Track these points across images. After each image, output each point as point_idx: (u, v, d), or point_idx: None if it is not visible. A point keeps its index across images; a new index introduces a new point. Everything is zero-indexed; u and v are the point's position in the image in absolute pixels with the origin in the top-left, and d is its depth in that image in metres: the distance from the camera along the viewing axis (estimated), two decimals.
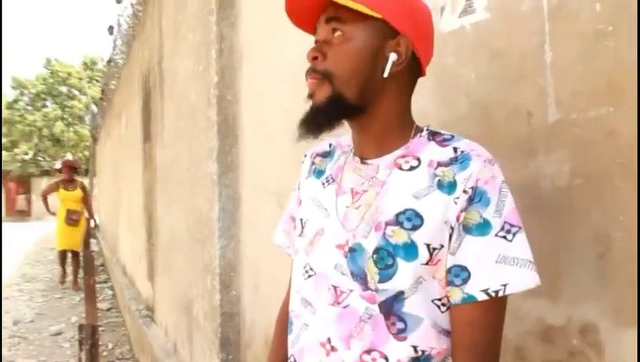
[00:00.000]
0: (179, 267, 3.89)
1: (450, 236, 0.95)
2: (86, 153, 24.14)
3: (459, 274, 0.94)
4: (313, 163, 1.25)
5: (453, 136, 1.04)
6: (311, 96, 1.05)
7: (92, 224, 9.43)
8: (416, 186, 0.99)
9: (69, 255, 8.94)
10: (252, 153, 2.68)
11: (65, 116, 27.06)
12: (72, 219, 8.63)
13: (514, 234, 0.93)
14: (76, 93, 27.56)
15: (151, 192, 5.23)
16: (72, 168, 9.00)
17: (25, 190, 28.70)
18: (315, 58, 1.04)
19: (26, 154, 27.17)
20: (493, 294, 0.92)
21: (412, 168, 1.02)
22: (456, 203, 0.95)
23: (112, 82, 9.84)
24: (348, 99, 1.01)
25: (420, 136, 1.06)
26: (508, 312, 0.96)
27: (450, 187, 0.96)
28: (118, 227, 9.37)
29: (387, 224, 0.99)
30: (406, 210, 0.98)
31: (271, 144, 2.40)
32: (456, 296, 0.95)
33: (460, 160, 0.97)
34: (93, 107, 17.52)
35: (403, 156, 1.04)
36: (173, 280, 4.13)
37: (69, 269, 8.94)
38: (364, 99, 1.03)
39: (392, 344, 0.98)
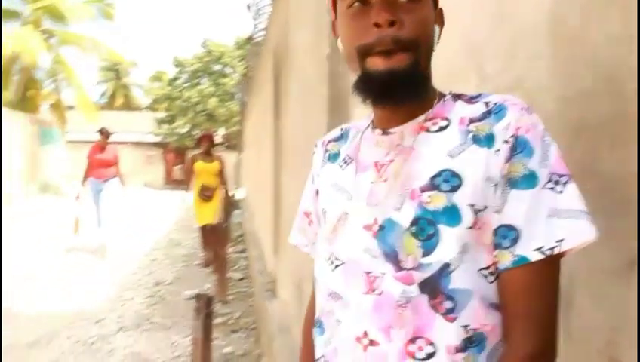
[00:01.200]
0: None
1: (495, 193, 0.88)
2: (236, 128, 25.23)
3: (507, 234, 0.86)
4: (326, 150, 1.17)
5: (480, 94, 0.98)
6: (391, 65, 0.92)
7: (227, 197, 8.94)
8: (448, 145, 0.93)
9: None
10: None
11: (218, 93, 28.51)
12: (205, 194, 8.30)
13: (564, 185, 0.86)
14: (228, 70, 28.93)
15: (279, 169, 5.29)
16: (210, 141, 8.71)
17: (181, 161, 30.68)
18: (393, 23, 0.92)
19: (183, 127, 29.03)
20: (548, 253, 0.84)
21: (441, 128, 0.96)
22: (497, 155, 0.88)
23: (253, 59, 10.10)
24: (422, 69, 0.96)
25: (444, 100, 1.01)
26: None
27: (488, 140, 0.89)
28: (256, 200, 9.70)
29: (422, 190, 0.92)
30: (441, 171, 0.91)
31: None
32: (505, 259, 0.87)
33: (494, 111, 0.91)
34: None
35: (429, 119, 0.98)
36: (290, 256, 4.13)
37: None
38: (427, 69, 0.99)
39: (440, 327, 0.88)
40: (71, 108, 23.23)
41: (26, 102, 21.75)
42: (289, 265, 4.00)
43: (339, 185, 1.07)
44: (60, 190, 19.51)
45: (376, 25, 0.92)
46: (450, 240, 0.88)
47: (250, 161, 14.25)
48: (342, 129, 1.18)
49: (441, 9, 1.02)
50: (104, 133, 9.04)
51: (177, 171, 30.64)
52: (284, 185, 4.79)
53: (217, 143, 28.59)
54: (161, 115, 30.12)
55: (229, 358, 4.67)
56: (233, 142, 26.66)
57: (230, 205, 11.59)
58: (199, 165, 8.38)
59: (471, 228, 0.88)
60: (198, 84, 28.97)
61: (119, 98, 42.70)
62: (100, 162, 8.93)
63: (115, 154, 9.21)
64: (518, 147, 0.87)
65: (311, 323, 1.18)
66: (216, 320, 5.47)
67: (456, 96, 1.00)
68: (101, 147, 9.04)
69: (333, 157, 1.14)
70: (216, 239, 8.14)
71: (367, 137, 1.06)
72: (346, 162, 1.08)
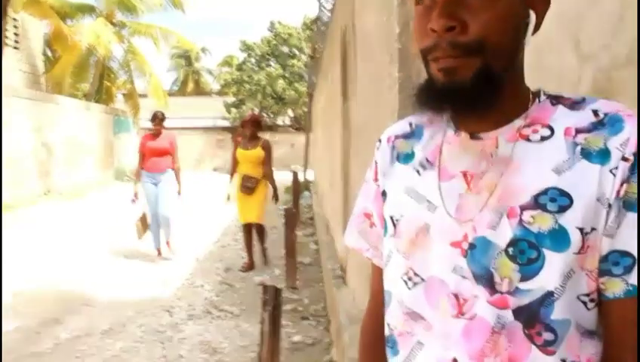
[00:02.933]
0: None
1: (607, 215, 0.78)
2: (304, 109, 25.28)
3: (620, 261, 0.78)
4: (394, 147, 1.03)
5: (584, 98, 0.86)
6: (450, 71, 0.82)
7: (274, 191, 7.40)
8: (554, 159, 0.82)
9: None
10: None
11: (286, 75, 28.61)
12: (246, 186, 7.07)
13: None
14: (297, 52, 28.95)
15: (347, 152, 5.15)
16: (253, 124, 7.33)
17: None
18: (452, 28, 0.81)
19: (253, 110, 29.32)
20: None
21: (543, 138, 0.85)
22: (614, 174, 0.78)
23: (321, 40, 9.95)
24: (496, 72, 0.83)
25: (539, 100, 0.89)
26: None
27: (602, 156, 0.79)
28: (325, 183, 9.61)
29: (523, 208, 0.82)
30: (547, 189, 0.81)
31: None
32: (616, 288, 0.79)
33: (607, 123, 0.81)
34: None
35: (528, 125, 0.87)
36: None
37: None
38: (508, 69, 0.86)
39: (536, 359, 0.81)
40: (143, 96, 23.85)
41: (102, 93, 22.49)
42: (358, 255, 3.86)
43: (416, 191, 0.96)
44: (133, 176, 20.14)
45: (432, 30, 0.83)
46: (555, 267, 0.79)
47: (319, 142, 14.20)
48: (411, 124, 1.05)
49: None
50: (157, 118, 7.72)
51: None
52: (353, 169, 4.64)
53: (267, 126, 28.93)
54: (231, 99, 30.48)
55: (298, 347, 4.60)
56: (302, 124, 26.75)
57: (298, 187, 11.60)
58: (240, 152, 7.22)
59: (578, 253, 0.79)
60: (266, 66, 29.13)
61: (190, 84, 43.67)
62: (153, 151, 7.65)
63: (170, 140, 7.78)
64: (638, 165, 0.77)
65: (372, 336, 1.11)
66: (285, 307, 5.41)
67: (554, 99, 0.89)
68: (154, 134, 7.74)
69: (406, 157, 1.01)
70: (262, 242, 7.39)
71: (451, 140, 0.94)
72: (423, 166, 0.97)
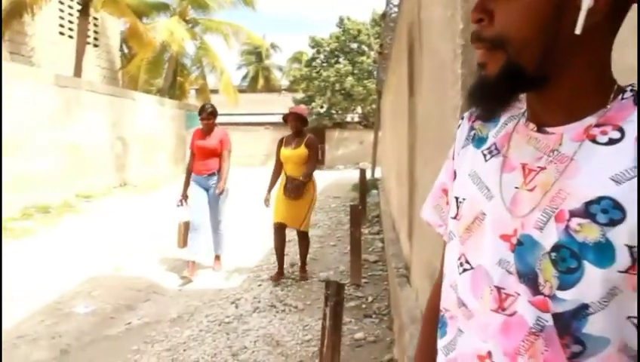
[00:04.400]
0: (427, 231, 3.68)
1: None
2: (373, 106, 25.18)
3: None
4: (472, 128, 1.02)
5: None
6: (482, 65, 0.83)
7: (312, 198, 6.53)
8: (616, 166, 0.75)
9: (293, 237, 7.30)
10: None
11: (355, 71, 28.53)
12: (290, 189, 6.18)
13: None
14: (365, 48, 28.84)
15: (413, 149, 5.09)
16: (296, 119, 6.38)
17: (320, 140, 31.24)
18: (480, 20, 0.81)
19: (321, 107, 29.43)
20: None
21: (611, 141, 0.78)
22: None
23: (388, 36, 9.88)
24: (526, 69, 0.80)
25: (623, 98, 0.80)
26: None
27: None
28: (392, 180, 9.54)
29: (572, 214, 0.77)
30: (601, 199, 0.75)
31: None
32: None
33: None
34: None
35: (599, 125, 0.80)
36: (423, 243, 3.94)
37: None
38: (547, 66, 0.80)
39: None
40: (214, 91, 24.40)
41: (175, 89, 23.17)
42: (423, 253, 3.81)
43: (479, 177, 0.94)
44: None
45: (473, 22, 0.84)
46: (595, 281, 0.74)
47: (387, 139, 14.11)
48: None
49: None
50: (205, 111, 6.59)
51: None
52: (418, 166, 4.58)
53: (335, 123, 28.83)
54: (300, 95, 30.71)
55: (360, 344, 4.59)
56: (371, 121, 26.66)
57: (365, 184, 11.57)
58: (283, 152, 6.36)
59: (625, 271, 0.72)
60: (335, 63, 29.17)
61: (260, 80, 44.28)
62: (202, 150, 6.59)
63: (221, 138, 6.64)
64: None
65: (433, 311, 1.09)
66: (349, 304, 5.44)
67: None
68: (205, 131, 6.64)
69: (479, 141, 0.99)
70: (305, 251, 6.64)
71: (520, 130, 0.91)
72: (491, 152, 0.95)
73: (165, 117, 19.32)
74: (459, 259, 0.94)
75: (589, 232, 0.75)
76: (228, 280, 6.47)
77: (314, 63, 29.96)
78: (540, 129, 0.87)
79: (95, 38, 19.08)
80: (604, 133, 0.79)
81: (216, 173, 6.61)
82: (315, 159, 6.41)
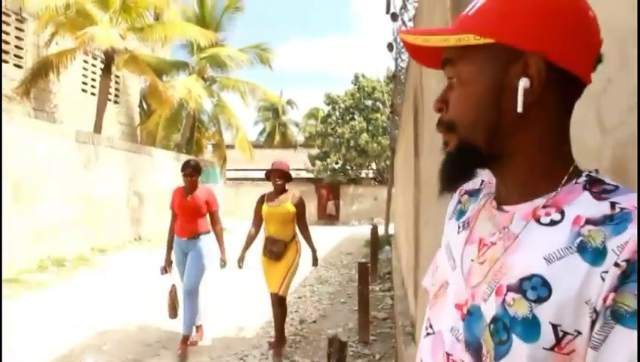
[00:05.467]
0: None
1: (593, 323, 0.71)
2: (387, 163, 25.34)
3: None
4: (460, 201, 1.09)
5: (617, 187, 0.80)
6: (445, 144, 0.93)
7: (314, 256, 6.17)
8: (551, 246, 0.78)
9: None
10: None
11: (369, 128, 28.84)
12: (271, 251, 5.66)
13: None
14: (380, 105, 29.23)
15: (417, 209, 5.20)
16: (280, 174, 5.80)
17: (334, 196, 31.40)
18: (440, 110, 0.92)
19: (336, 163, 29.67)
20: None
21: (552, 223, 0.81)
22: (603, 278, 0.71)
23: (398, 97, 10.12)
24: (478, 146, 0.87)
25: (576, 182, 0.84)
26: None
27: (595, 255, 0.73)
28: (402, 237, 9.59)
29: (509, 289, 0.80)
30: (532, 276, 0.78)
31: None
32: None
33: (615, 220, 0.74)
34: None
35: (545, 206, 0.84)
36: (427, 301, 4.00)
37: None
38: (496, 144, 0.87)
39: None
40: (230, 147, 24.80)
41: (193, 144, 23.61)
42: (425, 311, 3.87)
43: (450, 248, 1.01)
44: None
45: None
46: (520, 355, 0.76)
47: (398, 196, 14.20)
48: (482, 182, 1.09)
49: (529, 54, 0.82)
50: (189, 167, 5.90)
51: (330, 206, 31.34)
52: (422, 225, 4.68)
53: (350, 179, 28.90)
54: (315, 151, 31.04)
55: None
56: (385, 177, 26.80)
57: (376, 240, 11.61)
58: (265, 209, 5.77)
59: (551, 349, 0.74)
60: (350, 119, 29.55)
61: (277, 136, 44.88)
62: (183, 210, 5.91)
63: (207, 197, 6.01)
64: (632, 275, 0.69)
65: None
66: (356, 361, 5.45)
67: (590, 183, 0.83)
68: (187, 189, 5.94)
69: (460, 214, 1.07)
70: (279, 319, 5.82)
71: (487, 207, 0.98)
72: (463, 225, 1.01)
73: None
74: (425, 323, 1.01)
75: (519, 307, 0.78)
76: (237, 336, 6.50)
77: (329, 120, 30.33)
78: (499, 207, 0.92)
79: (116, 95, 19.67)
80: (547, 214, 0.82)
81: (197, 236, 5.90)
82: (305, 218, 5.92)
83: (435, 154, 3.41)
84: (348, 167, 30.03)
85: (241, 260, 5.82)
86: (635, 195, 0.77)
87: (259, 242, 5.82)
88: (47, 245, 11.22)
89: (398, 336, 5.67)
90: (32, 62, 15.05)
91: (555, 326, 0.74)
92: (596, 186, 0.82)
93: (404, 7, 5.90)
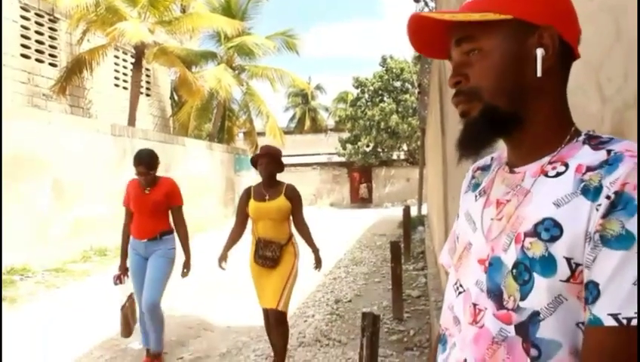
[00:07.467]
0: None
1: (586, 247, 0.85)
2: (418, 143, 25.29)
3: (592, 291, 0.83)
4: (473, 176, 1.22)
5: (611, 139, 0.93)
6: (463, 115, 1.02)
7: (317, 258, 4.95)
8: (559, 193, 0.91)
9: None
10: None
11: (399, 109, 28.79)
12: (264, 256, 4.58)
13: None
14: (409, 86, 29.11)
15: (446, 186, 5.29)
16: (271, 159, 4.71)
17: (366, 179, 31.48)
18: (458, 82, 1.02)
19: (367, 146, 29.69)
20: (623, 321, 0.78)
21: (558, 174, 0.94)
22: (597, 210, 0.84)
23: (426, 77, 10.13)
24: (502, 108, 0.97)
25: (577, 140, 0.97)
26: None
27: (595, 193, 0.85)
28: (434, 216, 9.66)
29: (526, 235, 0.92)
30: (545, 220, 0.90)
31: None
32: (586, 316, 0.84)
33: (610, 161, 0.86)
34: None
35: (551, 162, 0.96)
36: None
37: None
38: (519, 104, 0.98)
39: None
40: (261, 134, 25.06)
41: (224, 133, 23.92)
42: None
43: (470, 215, 1.12)
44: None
45: (451, 87, 1.05)
46: (541, 290, 0.88)
47: (429, 176, 14.22)
48: (492, 158, 1.20)
49: (544, 27, 0.95)
50: (142, 166, 4.81)
51: (363, 189, 31.44)
52: (450, 202, 4.77)
53: (381, 161, 28.68)
54: (346, 135, 31.10)
55: None
56: (416, 158, 26.75)
57: (408, 220, 11.68)
58: (253, 205, 4.68)
59: (566, 281, 0.86)
60: (379, 102, 29.50)
61: (307, 121, 44.98)
62: (141, 206, 4.91)
63: (168, 190, 5.00)
64: (620, 204, 0.81)
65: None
66: (391, 338, 5.60)
67: (588, 139, 0.95)
68: (143, 183, 4.90)
69: (475, 186, 1.18)
70: (281, 343, 4.70)
71: (499, 173, 1.10)
72: (480, 193, 1.13)
73: (214, 161, 19.93)
74: (455, 284, 1.11)
75: (536, 248, 0.89)
76: None
77: (359, 103, 30.34)
78: (511, 170, 1.04)
79: (147, 88, 20.06)
80: (553, 168, 0.95)
81: (158, 236, 4.94)
82: (302, 212, 4.81)
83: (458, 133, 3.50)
84: (379, 150, 30.05)
85: (222, 259, 4.84)
86: (628, 142, 0.89)
87: (244, 246, 5.00)
88: (89, 236, 11.60)
89: (432, 312, 5.78)
90: (66, 60, 15.45)
91: (568, 260, 0.86)
92: (594, 140, 0.94)
93: None
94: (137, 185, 4.95)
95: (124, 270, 5.01)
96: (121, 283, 5.00)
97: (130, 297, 5.02)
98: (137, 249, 4.96)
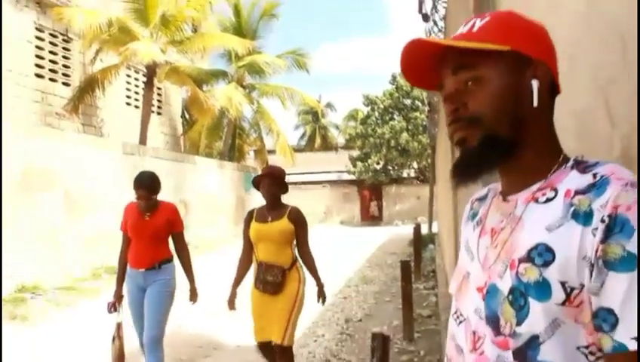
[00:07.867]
0: None
1: (591, 274, 0.85)
2: (429, 161, 25.27)
3: (606, 318, 0.83)
4: (472, 207, 1.25)
5: (597, 163, 0.95)
6: (461, 142, 1.04)
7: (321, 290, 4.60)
8: (549, 218, 0.93)
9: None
10: None
11: (409, 127, 28.81)
12: (265, 280, 4.31)
13: None
14: (419, 104, 29.14)
15: (455, 204, 5.27)
16: (273, 180, 4.46)
17: (377, 197, 31.44)
18: (456, 110, 1.03)
19: (377, 164, 29.70)
20: None
21: (548, 200, 0.96)
22: (594, 234, 0.85)
23: (435, 95, 10.16)
24: (502, 136, 0.99)
25: (565, 166, 1.00)
26: None
27: (586, 217, 0.87)
28: (445, 235, 9.62)
29: (520, 261, 0.94)
30: (537, 245, 0.92)
31: None
32: (606, 344, 0.83)
33: (597, 185, 0.89)
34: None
35: (541, 189, 0.99)
36: None
37: None
38: (517, 132, 1.00)
39: None
40: (272, 152, 25.16)
41: (235, 151, 24.03)
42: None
43: (468, 245, 1.15)
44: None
45: (447, 115, 1.06)
46: (537, 314, 0.89)
47: (440, 194, 14.19)
48: (488, 189, 1.22)
49: (539, 61, 1.01)
50: (142, 190, 4.62)
51: (373, 207, 31.39)
52: (459, 222, 4.76)
53: (391, 178, 28.62)
54: (356, 152, 31.13)
55: None
56: (427, 176, 26.72)
57: (419, 239, 11.64)
58: (255, 228, 4.43)
59: (562, 304, 0.87)
60: (390, 119, 29.55)
61: (317, 139, 45.11)
62: (141, 233, 4.68)
63: (169, 215, 4.79)
64: (616, 227, 0.82)
65: None
66: (402, 358, 5.57)
67: (576, 164, 0.98)
68: (143, 206, 4.67)
69: (473, 216, 1.21)
70: None
71: (494, 202, 1.12)
72: (477, 224, 1.16)
73: (225, 179, 20.01)
74: (454, 313, 1.15)
75: (530, 274, 0.91)
76: None
77: (369, 121, 30.37)
78: (504, 198, 1.07)
79: (159, 107, 20.24)
80: (543, 194, 0.97)
81: (157, 266, 4.67)
82: (307, 239, 4.48)
83: None
84: (389, 167, 30.05)
85: (231, 300, 4.64)
86: (612, 164, 0.92)
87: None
88: (100, 254, 11.63)
89: (442, 331, 5.74)
90: (79, 79, 15.63)
91: (563, 284, 0.87)
92: (581, 165, 0.97)
93: (434, 7, 5.97)
94: (136, 209, 4.70)
95: (118, 297, 4.77)
96: (115, 311, 4.75)
97: (119, 327, 4.74)
98: (135, 278, 4.67)
